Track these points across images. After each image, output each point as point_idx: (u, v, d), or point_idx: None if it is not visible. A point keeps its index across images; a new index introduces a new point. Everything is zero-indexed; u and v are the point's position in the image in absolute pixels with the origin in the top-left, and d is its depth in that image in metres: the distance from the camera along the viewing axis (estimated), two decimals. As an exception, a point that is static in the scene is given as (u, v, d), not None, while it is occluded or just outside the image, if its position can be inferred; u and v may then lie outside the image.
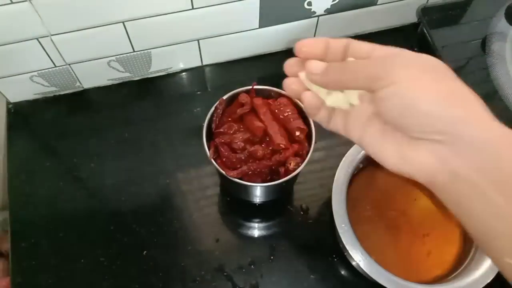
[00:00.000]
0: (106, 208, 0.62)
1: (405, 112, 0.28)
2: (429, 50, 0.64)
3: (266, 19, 0.66)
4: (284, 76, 0.36)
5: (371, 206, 0.58)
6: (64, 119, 0.69)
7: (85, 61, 0.65)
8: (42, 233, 0.60)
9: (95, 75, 0.68)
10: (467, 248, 0.55)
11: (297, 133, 0.53)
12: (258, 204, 0.62)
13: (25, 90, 0.68)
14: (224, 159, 0.52)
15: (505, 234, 0.26)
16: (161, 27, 0.62)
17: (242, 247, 0.60)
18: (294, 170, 0.51)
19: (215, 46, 0.69)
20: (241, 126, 0.54)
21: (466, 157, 0.26)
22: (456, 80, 0.28)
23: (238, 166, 0.52)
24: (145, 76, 0.72)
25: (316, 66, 0.32)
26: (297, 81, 0.35)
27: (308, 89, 0.34)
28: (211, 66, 0.73)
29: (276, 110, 0.54)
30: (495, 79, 0.60)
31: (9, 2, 0.51)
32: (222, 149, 0.52)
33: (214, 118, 0.54)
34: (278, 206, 0.62)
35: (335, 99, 0.33)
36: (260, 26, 0.67)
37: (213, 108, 0.54)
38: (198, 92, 0.71)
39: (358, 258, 0.50)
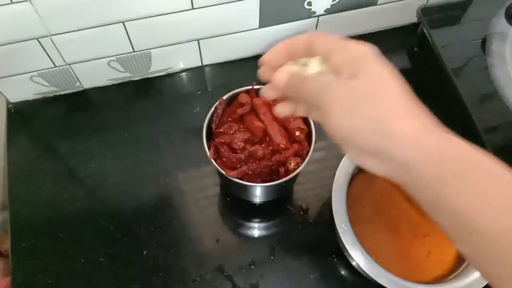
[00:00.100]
0: (106, 208, 0.62)
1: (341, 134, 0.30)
2: (429, 50, 0.64)
3: (266, 19, 0.66)
4: None
5: (371, 206, 0.58)
6: (64, 119, 0.69)
7: (85, 61, 0.65)
8: (42, 233, 0.60)
9: (95, 75, 0.68)
10: (467, 248, 0.54)
11: (297, 133, 0.53)
12: (258, 204, 0.62)
13: (25, 90, 0.68)
14: (224, 159, 0.52)
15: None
16: (161, 27, 0.62)
17: (242, 247, 0.60)
18: (294, 170, 0.51)
19: (215, 46, 0.69)
20: (241, 126, 0.54)
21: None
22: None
23: (238, 166, 0.52)
24: (145, 76, 0.72)
25: (280, 77, 0.34)
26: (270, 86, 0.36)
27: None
28: (211, 66, 0.73)
29: (276, 110, 0.54)
30: (495, 79, 0.60)
31: (9, 2, 0.52)
32: (222, 149, 0.52)
33: (214, 118, 0.54)
34: (278, 206, 0.62)
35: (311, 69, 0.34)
36: (260, 26, 0.67)
37: (213, 108, 0.54)
38: (198, 92, 0.71)
39: (358, 258, 0.50)
